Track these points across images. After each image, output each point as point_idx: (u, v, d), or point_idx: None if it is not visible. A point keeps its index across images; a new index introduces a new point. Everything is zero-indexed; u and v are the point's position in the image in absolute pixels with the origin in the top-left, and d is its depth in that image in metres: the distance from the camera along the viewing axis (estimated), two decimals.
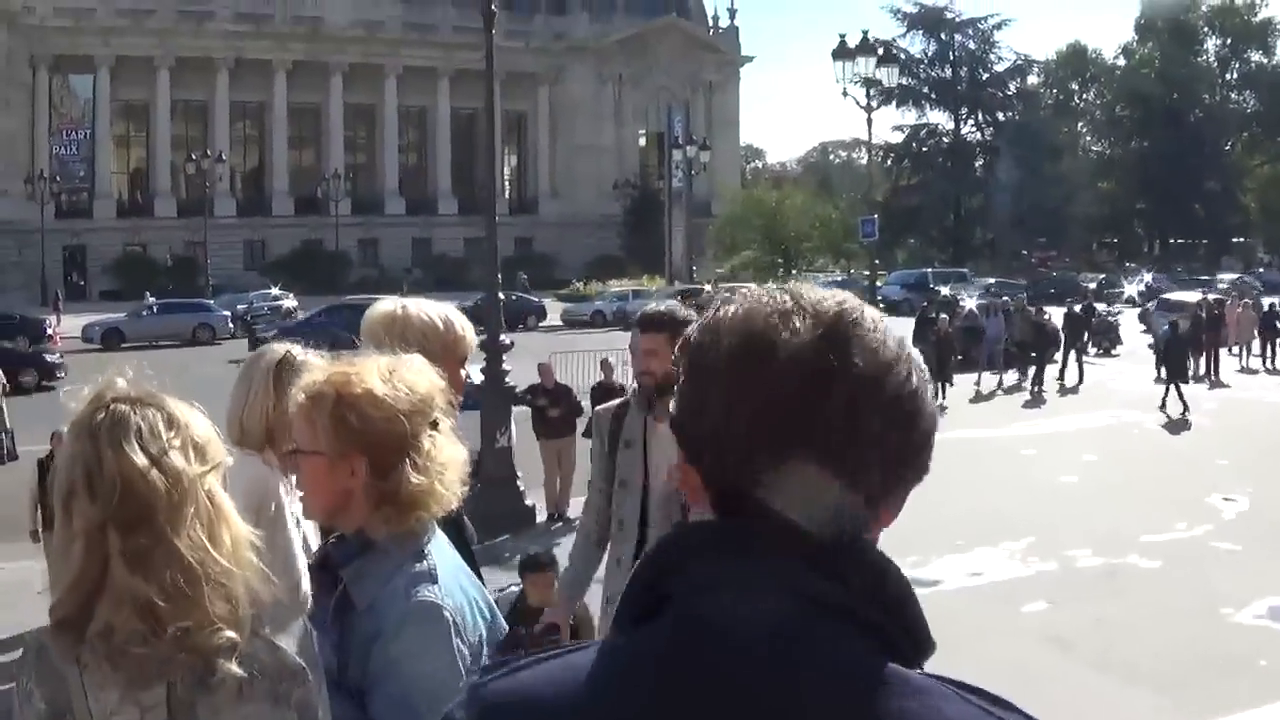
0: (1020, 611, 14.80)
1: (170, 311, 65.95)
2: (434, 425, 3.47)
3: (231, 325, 64.58)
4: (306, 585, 3.97)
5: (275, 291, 76.53)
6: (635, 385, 6.77)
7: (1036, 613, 14.81)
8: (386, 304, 4.82)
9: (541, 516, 21.06)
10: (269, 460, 5.27)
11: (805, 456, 1.55)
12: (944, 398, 34.58)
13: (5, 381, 29.78)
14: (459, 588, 3.49)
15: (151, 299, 70.44)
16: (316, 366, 3.56)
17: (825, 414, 1.54)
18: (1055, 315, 43.46)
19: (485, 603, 3.64)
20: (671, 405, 1.59)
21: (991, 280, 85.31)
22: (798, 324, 1.57)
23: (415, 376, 3.46)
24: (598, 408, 7.13)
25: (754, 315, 1.59)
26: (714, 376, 1.58)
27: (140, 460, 2.68)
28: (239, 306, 70.36)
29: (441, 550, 3.53)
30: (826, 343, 1.55)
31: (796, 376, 1.54)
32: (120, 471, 2.66)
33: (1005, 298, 54.51)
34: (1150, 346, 45.53)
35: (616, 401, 7.01)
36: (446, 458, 3.48)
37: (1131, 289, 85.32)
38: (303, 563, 4.83)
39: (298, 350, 5.31)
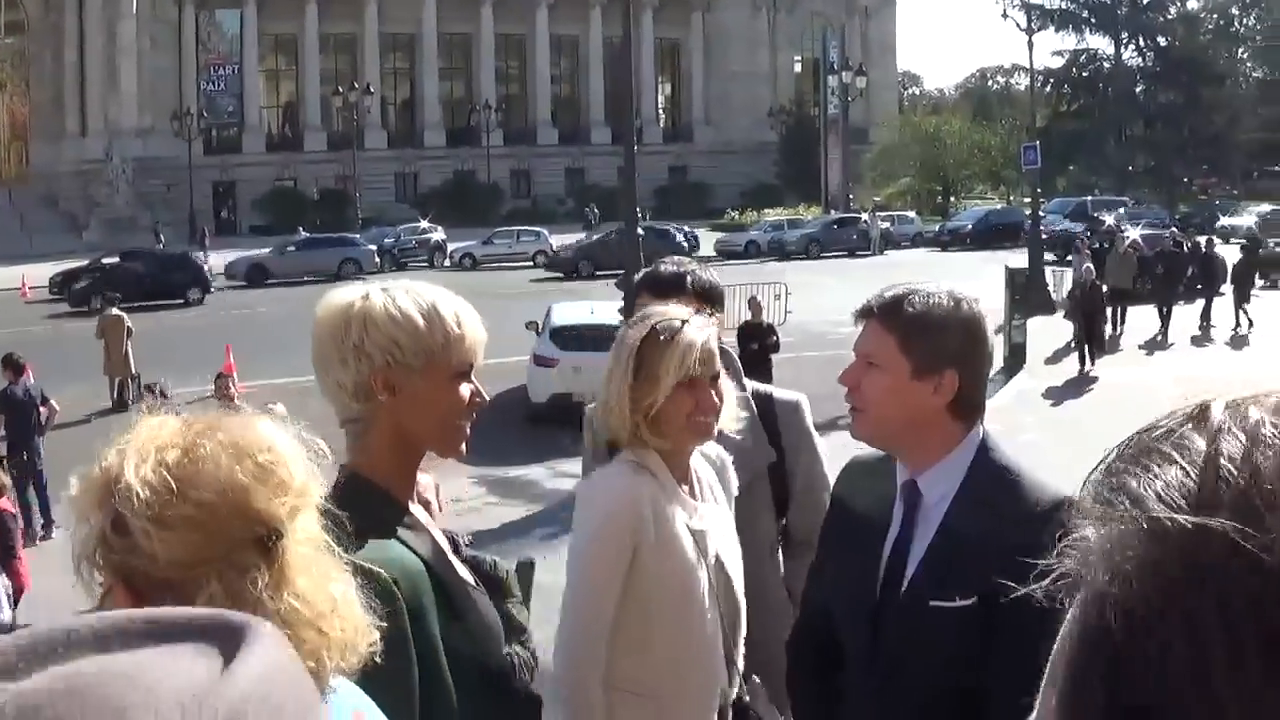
0: None
1: (315, 246, 64.88)
2: None
3: (378, 260, 63.51)
4: None
5: (424, 225, 75.60)
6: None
7: None
8: (343, 293, 3.05)
9: None
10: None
11: None
12: (1092, 364, 29.38)
13: (131, 325, 28.37)
14: None
15: (303, 233, 69.93)
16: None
17: None
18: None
19: None
20: None
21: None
22: None
23: None
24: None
25: None
26: None
27: None
28: (386, 240, 69.68)
29: None
30: None
31: None
32: None
33: (1172, 229, 51.86)
34: None
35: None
36: None
37: None
38: None
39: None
